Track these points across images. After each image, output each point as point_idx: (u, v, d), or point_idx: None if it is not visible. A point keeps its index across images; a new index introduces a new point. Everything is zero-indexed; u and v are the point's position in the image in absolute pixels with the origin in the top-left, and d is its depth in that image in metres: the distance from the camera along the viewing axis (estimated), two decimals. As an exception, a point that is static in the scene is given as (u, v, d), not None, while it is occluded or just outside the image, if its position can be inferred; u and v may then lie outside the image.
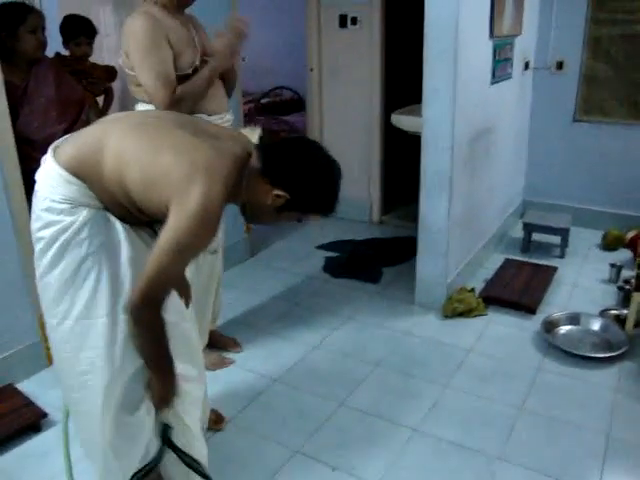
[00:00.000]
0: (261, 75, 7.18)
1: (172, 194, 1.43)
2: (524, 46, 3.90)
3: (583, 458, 2.17)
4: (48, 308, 1.59)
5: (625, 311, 2.99)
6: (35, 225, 1.54)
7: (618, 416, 2.37)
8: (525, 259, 3.77)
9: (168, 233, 1.42)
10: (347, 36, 4.27)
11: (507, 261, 3.69)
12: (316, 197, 1.59)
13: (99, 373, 1.57)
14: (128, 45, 2.21)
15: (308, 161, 1.58)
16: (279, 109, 6.71)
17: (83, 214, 1.50)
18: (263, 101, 6.82)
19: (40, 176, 1.55)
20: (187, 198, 1.41)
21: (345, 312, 3.22)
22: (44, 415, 2.36)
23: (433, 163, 2.99)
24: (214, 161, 1.48)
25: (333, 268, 3.76)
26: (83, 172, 1.50)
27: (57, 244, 1.50)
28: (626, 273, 3.42)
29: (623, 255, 3.78)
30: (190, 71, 2.27)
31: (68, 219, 1.49)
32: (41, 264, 1.54)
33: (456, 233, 3.18)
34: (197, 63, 2.29)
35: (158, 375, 1.62)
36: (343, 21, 4.24)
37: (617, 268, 3.46)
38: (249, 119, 5.35)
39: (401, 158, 4.62)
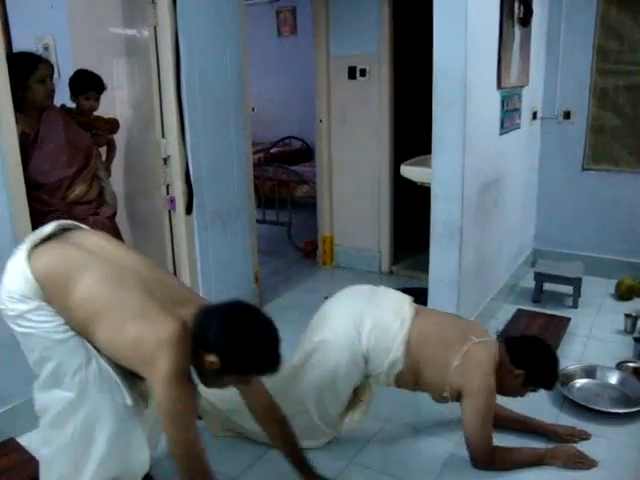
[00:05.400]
0: (270, 125, 7.30)
1: (144, 369, 1.70)
2: (532, 96, 3.93)
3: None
4: None
5: (642, 364, 2.92)
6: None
7: (641, 476, 2.28)
8: (537, 309, 3.71)
9: (159, 406, 1.70)
10: (356, 87, 4.32)
11: (519, 312, 3.63)
12: (248, 360, 1.74)
13: None
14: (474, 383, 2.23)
15: (233, 327, 1.71)
16: (288, 159, 6.78)
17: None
18: (272, 151, 6.90)
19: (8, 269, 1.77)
20: (156, 370, 1.64)
21: (355, 364, 3.15)
22: (45, 473, 2.29)
23: (443, 213, 2.97)
24: (176, 335, 1.66)
25: (342, 319, 3.70)
26: (48, 286, 1.72)
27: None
28: (642, 324, 3.36)
29: (638, 305, 3.71)
30: None
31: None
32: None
33: (467, 284, 3.14)
34: None
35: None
36: (352, 73, 4.29)
37: (632, 319, 3.39)
38: (258, 169, 5.38)
39: (410, 207, 4.61)
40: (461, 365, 2.23)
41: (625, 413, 2.62)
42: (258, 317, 1.78)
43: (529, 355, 2.31)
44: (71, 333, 1.76)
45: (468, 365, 2.23)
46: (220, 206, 3.47)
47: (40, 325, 1.74)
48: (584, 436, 2.48)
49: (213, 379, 1.80)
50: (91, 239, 1.88)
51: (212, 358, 1.69)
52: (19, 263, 1.75)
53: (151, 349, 1.65)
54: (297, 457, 2.10)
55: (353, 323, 2.29)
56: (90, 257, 1.77)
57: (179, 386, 1.66)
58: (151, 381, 1.71)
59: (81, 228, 1.98)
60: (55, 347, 1.77)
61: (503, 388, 2.31)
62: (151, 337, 1.65)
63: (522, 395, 2.40)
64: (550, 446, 2.43)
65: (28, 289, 1.72)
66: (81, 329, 1.75)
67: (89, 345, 1.78)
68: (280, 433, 2.08)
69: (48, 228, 1.86)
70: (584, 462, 2.32)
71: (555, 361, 2.34)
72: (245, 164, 3.62)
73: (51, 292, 1.73)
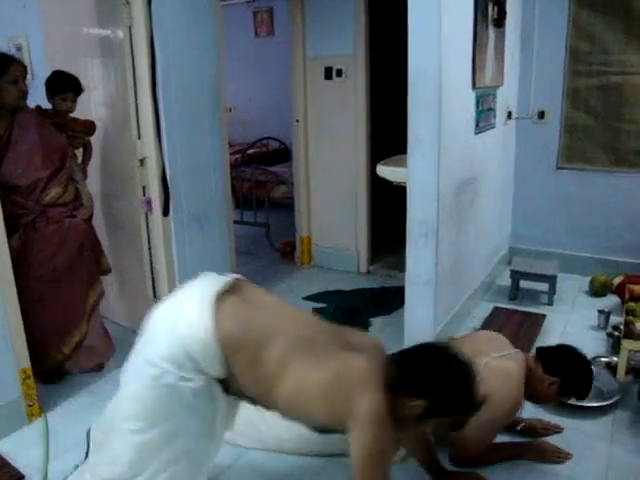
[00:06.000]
0: (248, 125, 7.29)
1: (342, 406, 1.63)
2: (506, 96, 3.97)
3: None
4: None
5: (615, 358, 2.96)
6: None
7: (614, 470, 2.32)
8: (513, 307, 3.76)
9: (358, 451, 1.61)
10: (333, 88, 4.34)
11: (495, 309, 3.68)
12: (460, 400, 1.73)
13: None
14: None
15: (442, 370, 1.71)
16: (265, 159, 6.78)
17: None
18: (250, 151, 6.88)
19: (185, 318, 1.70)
20: (360, 408, 1.59)
21: (333, 363, 3.16)
22: (21, 477, 2.26)
23: (419, 213, 2.99)
24: (374, 374, 1.65)
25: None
26: (232, 348, 1.66)
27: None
28: (615, 319, 3.41)
29: (611, 301, 3.78)
30: None
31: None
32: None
33: (444, 283, 3.16)
34: None
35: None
36: (328, 73, 4.31)
37: (605, 315, 3.45)
38: (235, 169, 5.38)
39: (388, 207, 4.64)
40: (482, 379, 2.11)
41: (598, 406, 2.67)
42: (458, 357, 1.77)
43: (564, 364, 2.31)
44: (217, 406, 1.77)
45: (492, 377, 2.20)
46: (197, 207, 3.46)
47: (188, 401, 1.72)
48: (558, 429, 2.52)
49: (410, 424, 1.75)
50: (266, 300, 1.88)
51: (419, 403, 1.67)
52: (203, 326, 1.67)
53: (352, 385, 1.62)
54: (433, 462, 2.22)
55: None
56: (279, 322, 1.77)
57: (387, 425, 1.62)
58: (352, 418, 1.62)
59: (240, 280, 1.93)
60: (188, 418, 1.76)
61: (536, 397, 2.35)
62: (350, 374, 1.64)
63: (554, 402, 2.46)
64: (526, 440, 2.46)
65: (207, 360, 1.67)
66: (253, 392, 1.76)
67: (219, 417, 1.79)
68: (421, 446, 2.20)
69: (227, 280, 1.82)
70: (560, 455, 2.36)
71: (590, 370, 2.34)
72: (222, 165, 3.62)
73: (233, 362, 1.69)
